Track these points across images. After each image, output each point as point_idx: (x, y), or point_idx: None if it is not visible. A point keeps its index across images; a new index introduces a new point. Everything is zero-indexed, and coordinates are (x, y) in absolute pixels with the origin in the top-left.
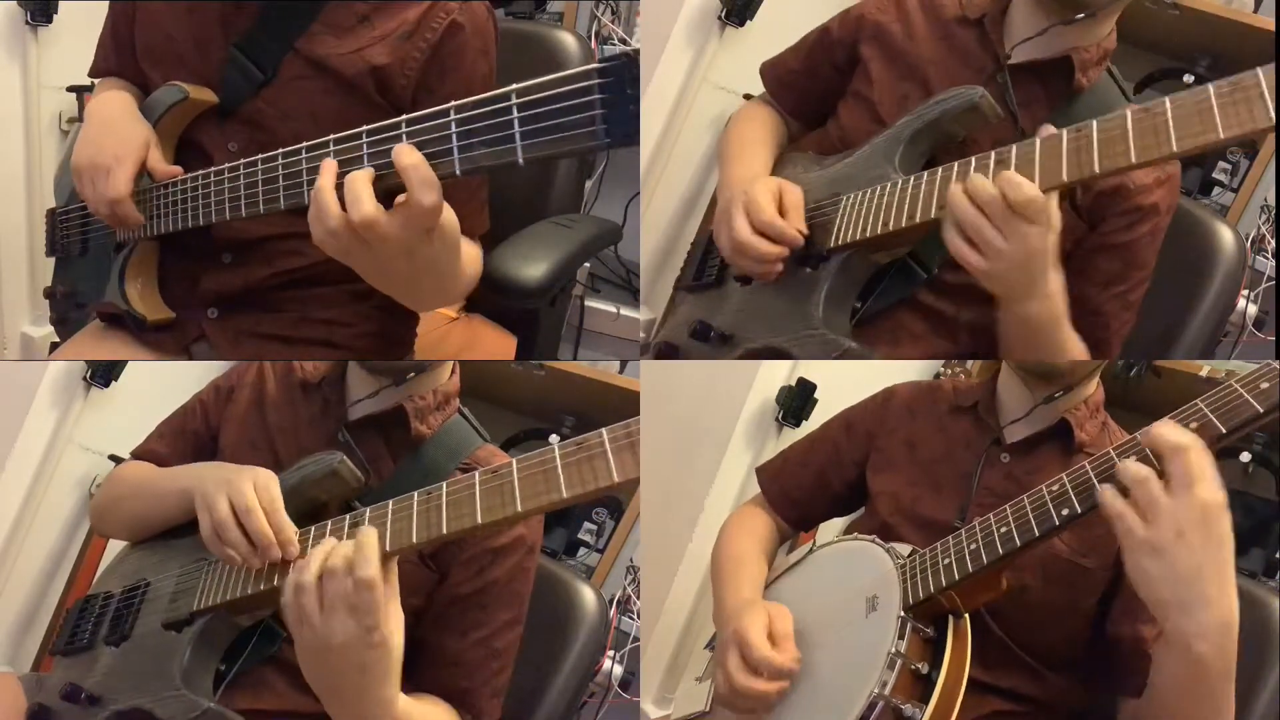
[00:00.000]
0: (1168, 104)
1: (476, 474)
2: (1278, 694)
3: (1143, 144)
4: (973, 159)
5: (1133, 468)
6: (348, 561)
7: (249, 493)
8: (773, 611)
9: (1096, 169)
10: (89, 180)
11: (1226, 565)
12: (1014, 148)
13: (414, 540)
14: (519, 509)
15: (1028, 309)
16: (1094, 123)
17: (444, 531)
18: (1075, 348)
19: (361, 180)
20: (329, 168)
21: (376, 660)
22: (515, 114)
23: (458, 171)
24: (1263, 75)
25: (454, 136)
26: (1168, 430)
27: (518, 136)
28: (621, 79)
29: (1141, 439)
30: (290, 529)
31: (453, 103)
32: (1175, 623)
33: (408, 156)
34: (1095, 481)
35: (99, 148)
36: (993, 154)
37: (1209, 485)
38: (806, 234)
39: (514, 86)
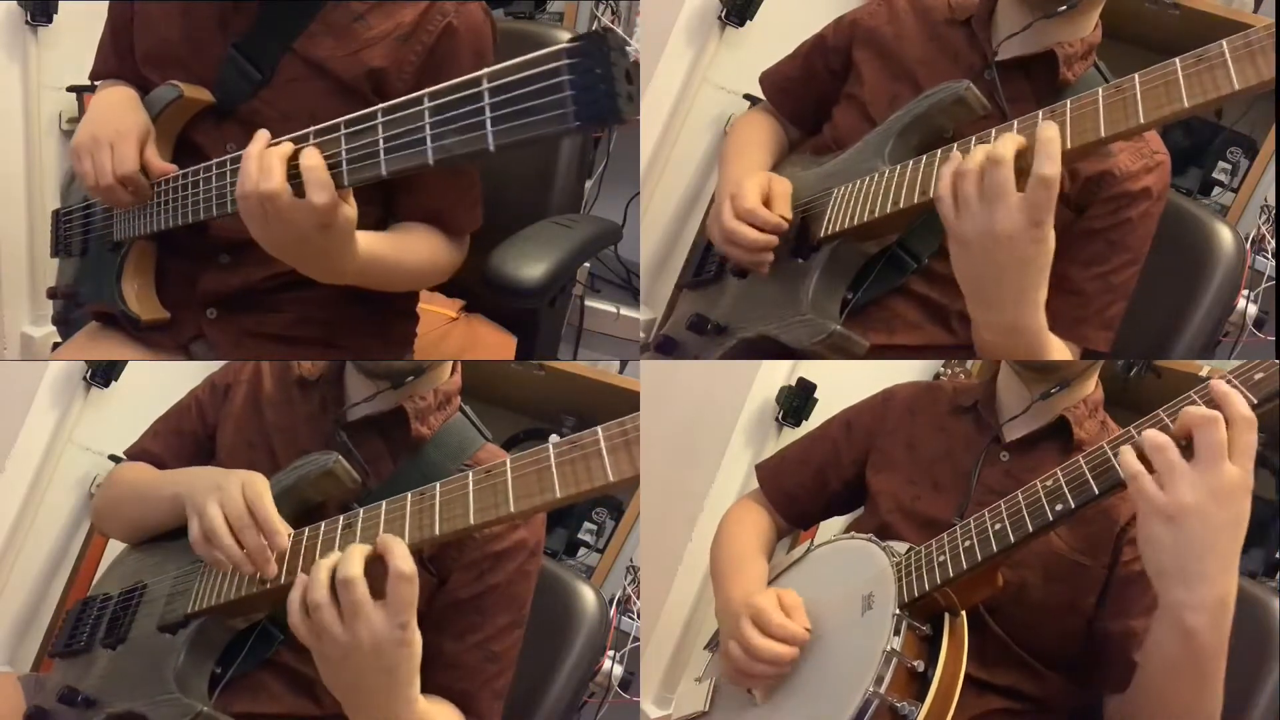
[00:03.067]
0: (1137, 80)
1: (470, 474)
2: (1278, 694)
3: (1112, 119)
4: (955, 145)
5: (1151, 435)
6: (362, 566)
7: (239, 499)
8: (781, 591)
9: (1069, 144)
10: (88, 154)
11: (1235, 545)
12: (994, 130)
13: (406, 542)
14: (512, 509)
15: (987, 320)
16: (1068, 102)
17: (436, 533)
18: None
19: (277, 156)
20: (261, 136)
21: (404, 659)
22: (486, 100)
23: (430, 161)
24: (1226, 45)
25: (427, 126)
26: (1198, 409)
27: (488, 123)
28: (591, 58)
29: (1165, 415)
30: (282, 530)
31: (426, 90)
32: (1173, 594)
33: (310, 159)
34: (1089, 473)
35: (102, 126)
36: (974, 138)
37: (1239, 461)
38: (790, 220)
39: (484, 71)
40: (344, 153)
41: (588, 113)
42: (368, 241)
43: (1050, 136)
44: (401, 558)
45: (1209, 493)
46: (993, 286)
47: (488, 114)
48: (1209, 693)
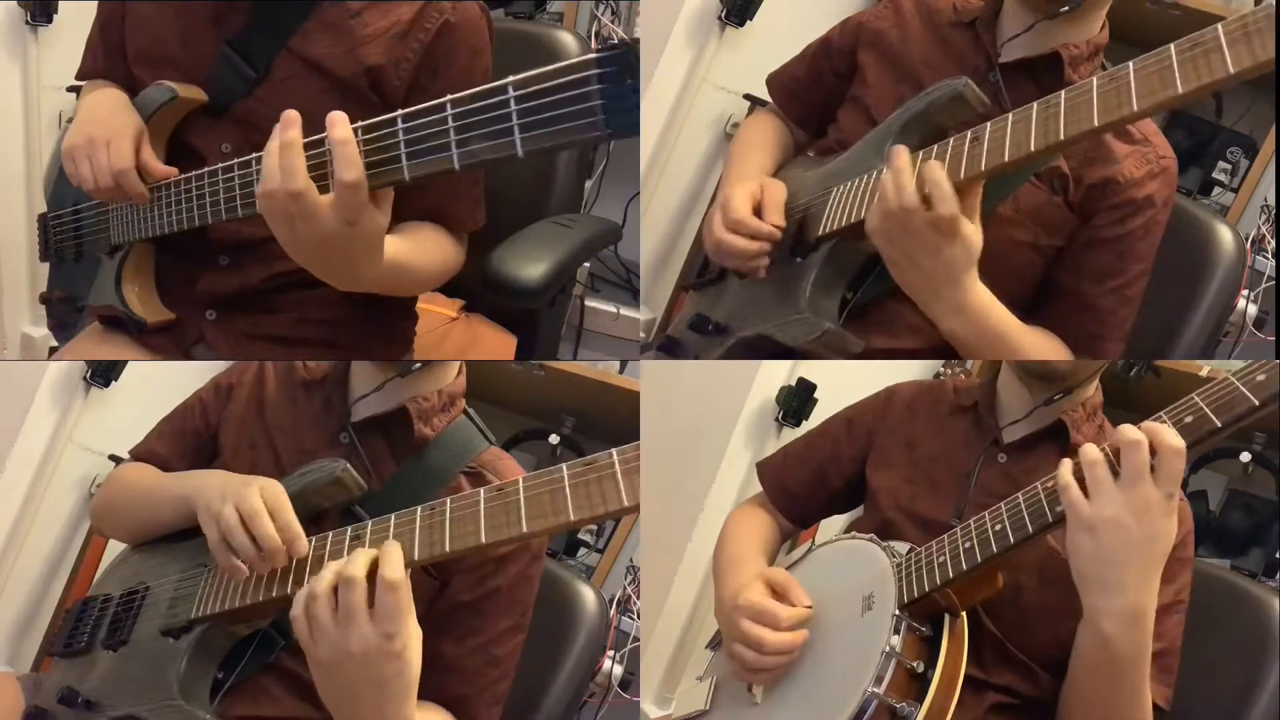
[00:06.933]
0: (1131, 66)
1: (482, 491)
2: (1278, 694)
3: (1105, 106)
4: (950, 139)
5: (1087, 450)
6: (365, 569)
7: (255, 500)
8: (767, 574)
9: (1062, 135)
10: (84, 156)
11: (1154, 561)
12: (988, 125)
13: (415, 558)
14: (524, 529)
15: (941, 319)
16: (1062, 93)
17: (447, 550)
18: (1037, 348)
19: (299, 152)
20: (289, 124)
21: (395, 674)
22: (513, 106)
23: (457, 166)
24: (1221, 29)
25: (451, 131)
26: (1130, 429)
27: (516, 129)
28: (620, 68)
29: (1166, 416)
30: (303, 536)
31: (449, 97)
32: (1091, 600)
33: (339, 131)
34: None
35: (95, 126)
36: (969, 133)
37: (1163, 486)
38: (782, 227)
39: (511, 79)
40: (362, 156)
41: (617, 121)
42: (391, 247)
43: (939, 178)
44: (390, 565)
45: (1128, 508)
46: (918, 286)
47: (515, 120)
48: (1128, 699)
